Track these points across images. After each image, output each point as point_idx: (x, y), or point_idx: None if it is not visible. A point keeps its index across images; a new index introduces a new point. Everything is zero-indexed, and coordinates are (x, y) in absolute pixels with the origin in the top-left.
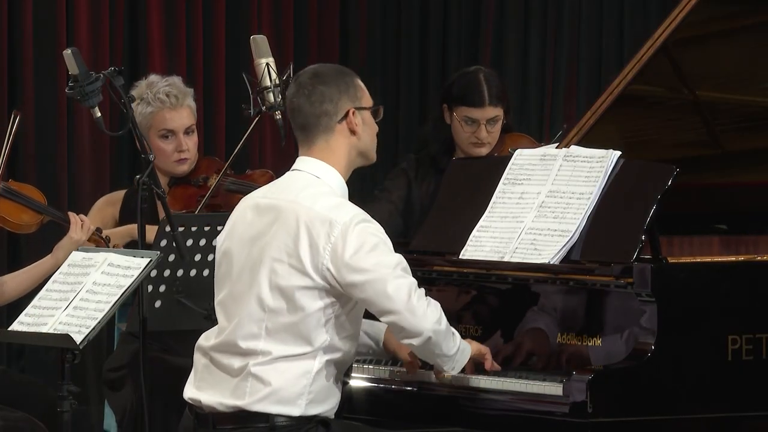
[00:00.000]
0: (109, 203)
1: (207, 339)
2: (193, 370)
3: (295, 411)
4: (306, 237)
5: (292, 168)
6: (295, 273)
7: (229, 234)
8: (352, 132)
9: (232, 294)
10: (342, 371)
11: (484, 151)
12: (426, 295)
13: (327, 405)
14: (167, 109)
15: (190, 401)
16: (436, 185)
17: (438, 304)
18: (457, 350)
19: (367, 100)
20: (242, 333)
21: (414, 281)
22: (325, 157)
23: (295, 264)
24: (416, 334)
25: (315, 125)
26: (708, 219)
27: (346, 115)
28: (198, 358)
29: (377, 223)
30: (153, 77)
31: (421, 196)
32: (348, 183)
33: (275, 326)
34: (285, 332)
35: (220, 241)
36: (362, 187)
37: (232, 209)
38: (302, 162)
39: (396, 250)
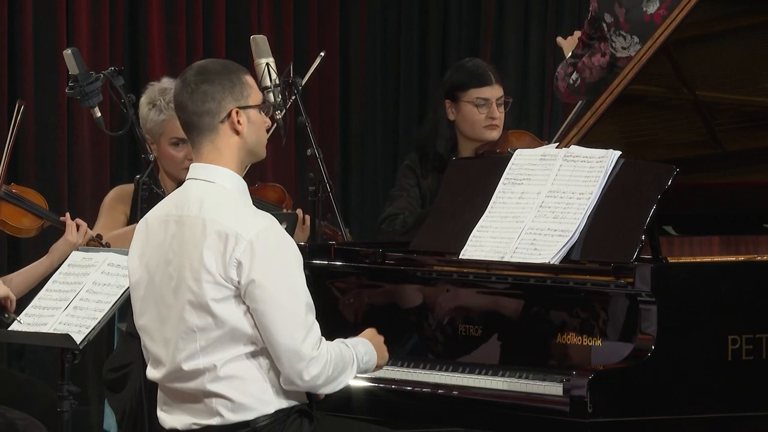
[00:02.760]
0: (120, 200)
1: (152, 372)
2: (158, 398)
3: (270, 408)
4: (212, 250)
5: (186, 177)
6: (209, 286)
7: (141, 256)
8: (236, 132)
9: (158, 319)
10: None
11: (496, 134)
12: (320, 342)
13: (297, 393)
14: None
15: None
16: (438, 183)
17: (326, 357)
18: (353, 370)
19: (255, 98)
20: (180, 357)
21: (316, 328)
22: (215, 159)
23: (206, 278)
24: (290, 382)
25: (198, 124)
26: (708, 219)
27: (229, 114)
28: (158, 390)
29: (286, 236)
30: (166, 82)
31: (426, 193)
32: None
33: (208, 342)
34: (220, 343)
35: (131, 264)
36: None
37: None
38: (194, 170)
39: (396, 250)
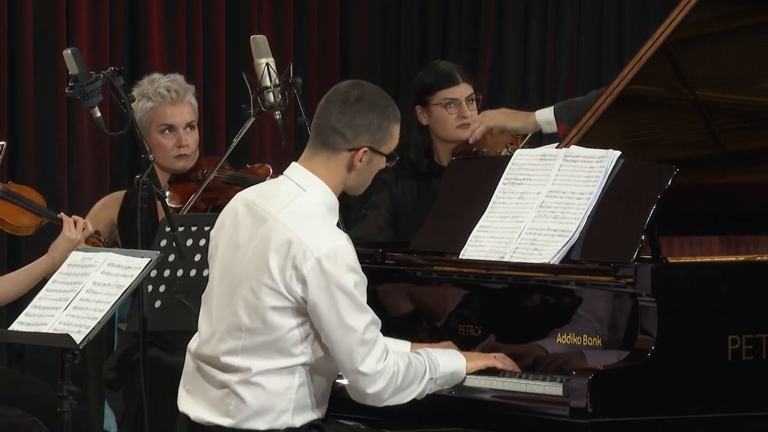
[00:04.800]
0: (105, 206)
1: (194, 342)
2: (184, 370)
3: (282, 425)
4: (279, 259)
5: (284, 172)
6: (269, 292)
7: (219, 230)
8: (352, 166)
9: (213, 302)
10: (327, 381)
11: (469, 133)
12: (384, 356)
13: (314, 414)
14: (168, 104)
15: (182, 413)
16: (418, 191)
17: (393, 370)
18: (424, 381)
19: (388, 148)
20: (222, 348)
21: (381, 341)
22: (319, 171)
23: (268, 283)
24: (355, 397)
25: (328, 137)
26: (708, 219)
27: (357, 150)
28: (188, 361)
29: (352, 249)
30: (155, 74)
31: (405, 202)
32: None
33: (252, 344)
34: (263, 349)
35: (212, 237)
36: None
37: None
38: (294, 170)
39: (397, 251)
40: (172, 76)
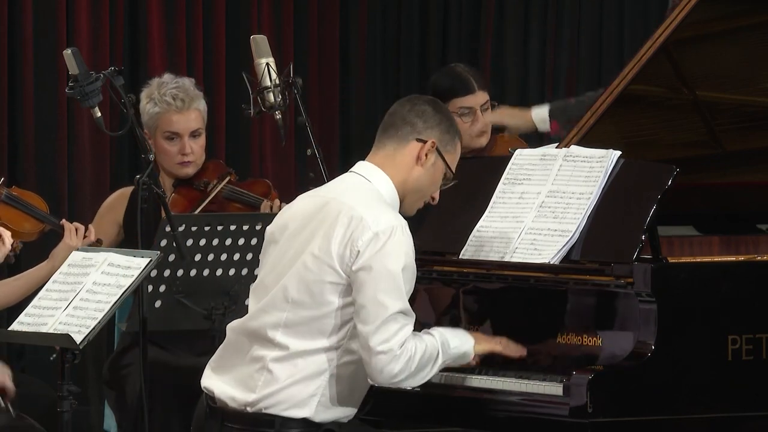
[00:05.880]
0: (111, 208)
1: (236, 321)
2: (218, 350)
3: (305, 413)
4: (340, 234)
5: (350, 169)
6: (325, 267)
7: (279, 222)
8: (418, 159)
9: (264, 280)
10: (360, 378)
11: (484, 140)
12: (405, 340)
13: (340, 412)
14: (173, 112)
15: (205, 390)
16: None
17: (410, 353)
18: (437, 363)
19: (452, 159)
20: (267, 320)
21: (407, 329)
22: (385, 165)
23: (325, 258)
24: (372, 378)
25: (398, 128)
26: (708, 219)
27: (425, 142)
28: (228, 337)
29: (410, 238)
30: (166, 77)
31: None
32: None
33: (296, 318)
34: (304, 326)
35: (269, 227)
36: None
37: None
38: (359, 165)
39: None
40: (181, 81)
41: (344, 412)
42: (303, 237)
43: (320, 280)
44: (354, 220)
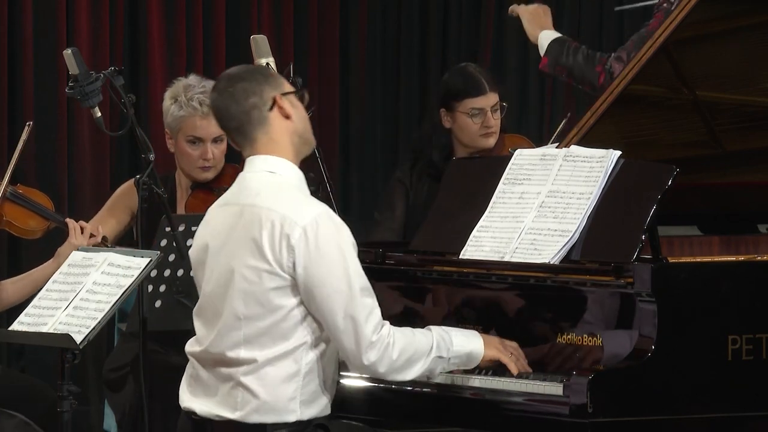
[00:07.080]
0: (125, 194)
1: (192, 346)
2: (185, 373)
3: (291, 417)
4: (268, 238)
5: (243, 171)
6: (265, 275)
7: (199, 243)
8: (286, 116)
9: (207, 304)
10: (331, 369)
11: (492, 141)
12: (380, 326)
13: (321, 405)
14: (198, 117)
15: (186, 410)
16: (430, 191)
17: (388, 341)
18: (429, 360)
19: (288, 86)
20: (226, 343)
21: (374, 307)
22: (272, 150)
23: (262, 266)
24: (354, 368)
25: (247, 122)
26: (708, 219)
27: (274, 102)
28: (190, 364)
29: (339, 222)
30: (192, 78)
31: (420, 204)
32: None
33: (253, 332)
34: (263, 335)
35: (192, 251)
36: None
37: None
38: (251, 163)
39: (397, 250)
40: (208, 86)
41: (325, 402)
42: (229, 251)
43: (264, 288)
44: (278, 221)
